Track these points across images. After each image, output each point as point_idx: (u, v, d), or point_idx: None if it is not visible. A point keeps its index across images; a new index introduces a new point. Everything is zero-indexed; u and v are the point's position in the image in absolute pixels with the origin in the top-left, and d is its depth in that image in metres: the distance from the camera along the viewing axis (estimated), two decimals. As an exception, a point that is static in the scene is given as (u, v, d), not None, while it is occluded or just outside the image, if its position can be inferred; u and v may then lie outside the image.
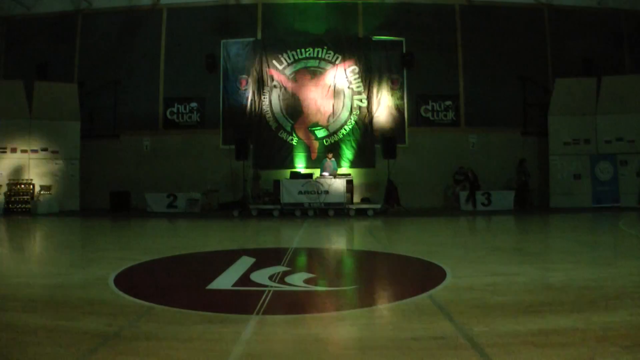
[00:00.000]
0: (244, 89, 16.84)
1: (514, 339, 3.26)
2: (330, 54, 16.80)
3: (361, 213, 13.60)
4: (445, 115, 16.89)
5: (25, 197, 14.83)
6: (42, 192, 15.18)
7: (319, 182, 13.60)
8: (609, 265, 5.78)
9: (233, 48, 16.96)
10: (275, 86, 16.78)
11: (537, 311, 3.90)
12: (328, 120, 16.65)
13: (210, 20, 17.01)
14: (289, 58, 16.84)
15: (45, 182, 15.43)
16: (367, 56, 16.76)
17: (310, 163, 16.33)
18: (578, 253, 6.92)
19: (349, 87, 16.74)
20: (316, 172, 15.15)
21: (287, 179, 14.24)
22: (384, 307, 4.17)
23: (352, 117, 16.68)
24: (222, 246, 8.07)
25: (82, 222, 13.35)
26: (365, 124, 16.64)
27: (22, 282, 5.16)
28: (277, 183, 14.52)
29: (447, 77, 16.89)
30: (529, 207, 15.37)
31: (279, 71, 16.80)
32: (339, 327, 3.65)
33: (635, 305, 4.01)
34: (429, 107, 16.89)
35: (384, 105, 16.75)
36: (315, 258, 7.01)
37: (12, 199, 14.77)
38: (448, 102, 16.89)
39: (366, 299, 4.54)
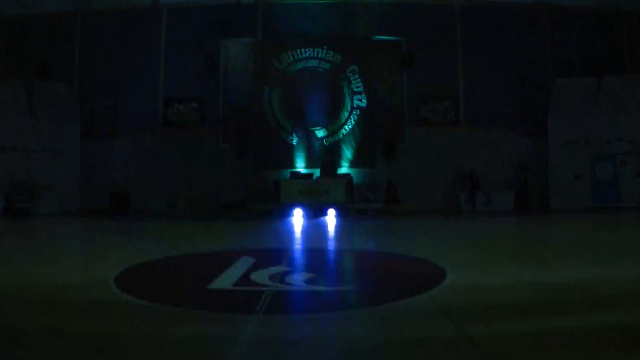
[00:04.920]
0: (244, 88, 16.82)
1: (514, 339, 3.26)
2: (330, 54, 16.78)
3: (361, 213, 13.59)
4: (445, 115, 16.88)
5: (25, 197, 14.80)
6: (42, 193, 15.16)
7: (319, 182, 13.59)
8: (609, 265, 5.78)
9: (233, 48, 16.94)
10: (275, 86, 16.77)
11: (537, 311, 3.90)
12: (328, 120, 16.64)
13: (210, 20, 16.99)
14: (289, 58, 16.83)
15: (45, 182, 15.40)
16: (367, 56, 16.74)
17: (310, 163, 16.31)
18: (578, 253, 6.92)
19: (349, 87, 16.73)
20: (316, 172, 15.15)
21: (287, 179, 14.24)
22: (383, 307, 4.16)
23: (352, 117, 16.67)
24: (222, 246, 8.07)
25: (82, 222, 13.36)
26: (365, 124, 16.63)
27: (22, 282, 5.15)
28: (277, 183, 14.51)
29: (447, 77, 16.86)
30: (528, 207, 15.36)
31: (279, 71, 16.78)
32: (339, 327, 3.65)
33: (635, 306, 4.01)
34: (429, 107, 16.87)
35: (384, 106, 16.73)
36: (315, 258, 7.01)
37: (12, 199, 14.75)
38: (448, 102, 16.87)
39: (366, 299, 4.53)
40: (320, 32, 16.90)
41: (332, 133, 16.63)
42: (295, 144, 16.57)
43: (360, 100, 16.71)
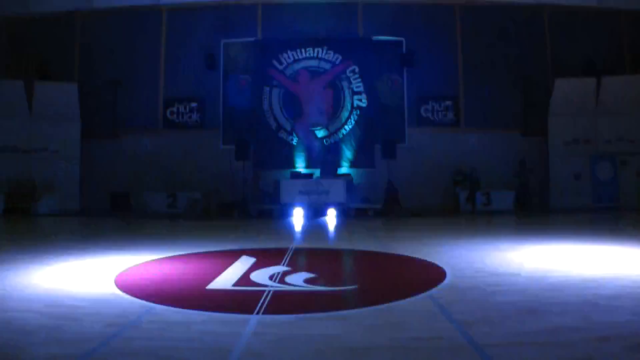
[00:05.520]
0: (244, 89, 16.83)
1: (514, 338, 3.27)
2: (330, 54, 16.78)
3: (361, 213, 13.59)
4: (445, 115, 16.89)
5: (25, 197, 14.79)
6: (42, 192, 15.15)
7: (319, 182, 13.59)
8: (609, 265, 5.78)
9: (233, 48, 16.94)
10: (275, 86, 16.77)
11: (537, 311, 3.91)
12: (328, 120, 16.65)
13: (210, 20, 17.00)
14: (289, 58, 16.83)
15: (45, 182, 15.40)
16: (367, 56, 16.73)
17: (310, 163, 16.31)
18: (578, 253, 6.93)
19: (349, 87, 16.73)
20: (316, 172, 15.15)
21: (287, 179, 14.23)
22: (384, 307, 4.17)
23: (352, 117, 16.68)
24: (222, 246, 8.07)
25: (82, 222, 13.36)
26: (365, 124, 16.63)
27: (22, 281, 5.16)
28: (277, 183, 14.51)
29: (447, 77, 16.86)
30: (529, 207, 15.36)
31: (279, 71, 16.78)
32: (339, 327, 3.65)
33: (635, 305, 4.02)
34: (429, 107, 16.87)
35: (384, 106, 16.73)
36: (315, 258, 7.02)
37: (12, 198, 14.74)
38: (448, 102, 16.88)
39: (366, 299, 4.54)
40: (320, 32, 16.90)
41: (332, 133, 16.64)
42: (295, 144, 16.58)
43: (360, 100, 16.71)
